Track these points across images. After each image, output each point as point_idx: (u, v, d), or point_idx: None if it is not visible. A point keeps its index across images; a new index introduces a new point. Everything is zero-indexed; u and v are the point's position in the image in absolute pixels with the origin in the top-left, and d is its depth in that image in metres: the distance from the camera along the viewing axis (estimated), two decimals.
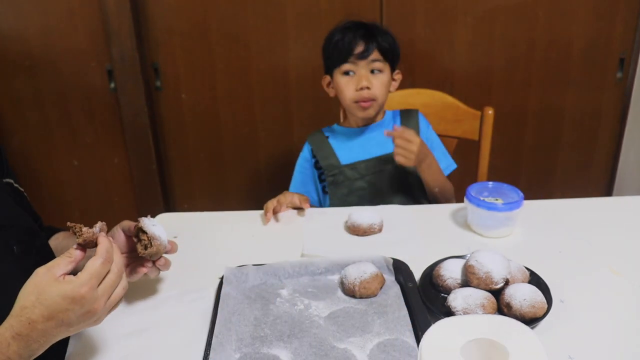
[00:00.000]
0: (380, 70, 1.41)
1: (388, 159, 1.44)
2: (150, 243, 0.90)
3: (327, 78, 1.48)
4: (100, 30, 2.04)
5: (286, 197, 1.29)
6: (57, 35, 2.06)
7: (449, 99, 1.65)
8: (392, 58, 1.43)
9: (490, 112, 1.58)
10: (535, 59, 2.08)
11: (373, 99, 1.41)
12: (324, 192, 1.52)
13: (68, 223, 0.78)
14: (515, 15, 2.01)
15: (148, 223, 0.91)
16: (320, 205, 1.54)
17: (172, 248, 0.97)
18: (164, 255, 0.95)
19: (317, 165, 1.52)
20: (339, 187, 1.48)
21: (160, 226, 0.93)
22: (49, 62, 2.10)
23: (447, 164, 1.52)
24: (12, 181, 1.03)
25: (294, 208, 1.31)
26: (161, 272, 1.05)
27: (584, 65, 2.09)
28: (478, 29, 2.04)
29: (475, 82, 2.11)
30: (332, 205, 1.49)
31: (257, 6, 2.02)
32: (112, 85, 2.11)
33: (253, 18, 2.04)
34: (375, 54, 1.39)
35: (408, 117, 1.52)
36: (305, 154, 1.55)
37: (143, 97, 2.10)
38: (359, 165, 1.47)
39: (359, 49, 1.38)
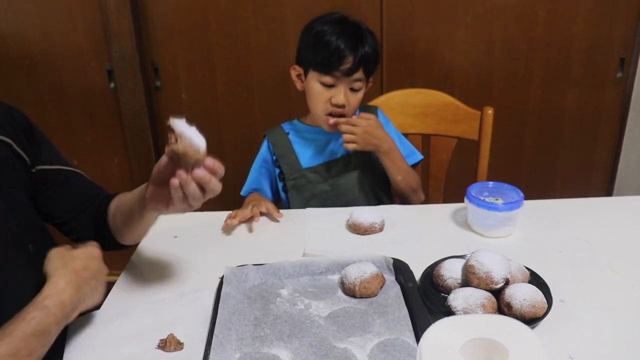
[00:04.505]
0: (358, 89, 1.35)
1: (350, 159, 1.43)
2: (177, 140, 0.77)
3: (298, 69, 1.39)
4: (100, 30, 2.04)
5: (260, 208, 1.27)
6: (57, 35, 2.06)
7: (449, 99, 1.65)
8: (372, 71, 1.36)
9: (490, 112, 1.58)
10: (535, 59, 2.08)
11: (343, 116, 1.35)
12: (284, 190, 1.47)
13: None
14: (515, 15, 2.01)
15: (179, 122, 0.79)
16: (277, 201, 1.50)
17: (214, 165, 0.82)
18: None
19: (276, 164, 1.46)
20: (300, 191, 1.43)
21: (195, 130, 0.79)
22: (48, 62, 2.10)
23: (409, 152, 1.48)
24: (61, 167, 1.03)
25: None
26: (162, 275, 1.05)
27: (584, 65, 2.09)
28: (478, 29, 2.03)
29: (475, 82, 2.11)
30: (292, 207, 1.43)
31: (257, 6, 2.02)
32: (112, 85, 2.11)
33: (253, 18, 2.04)
34: (360, 73, 1.32)
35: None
36: (264, 152, 1.48)
37: (143, 97, 2.10)
38: (321, 168, 1.43)
39: (347, 65, 1.29)
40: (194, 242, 1.19)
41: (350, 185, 1.43)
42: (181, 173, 0.80)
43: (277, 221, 1.27)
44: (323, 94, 1.33)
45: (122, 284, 1.04)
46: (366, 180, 1.44)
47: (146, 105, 2.12)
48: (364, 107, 1.51)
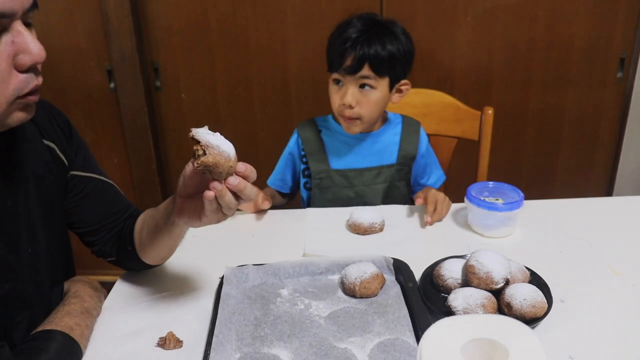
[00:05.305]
0: (371, 87, 1.28)
1: (381, 172, 1.41)
2: (204, 152, 0.72)
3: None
4: (100, 30, 2.04)
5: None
6: (57, 35, 2.06)
7: (449, 99, 1.65)
8: (394, 70, 1.29)
9: (490, 112, 1.58)
10: (535, 58, 2.08)
11: (357, 118, 1.31)
12: (305, 187, 1.45)
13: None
14: (515, 15, 2.01)
15: (202, 131, 0.74)
16: (293, 193, 1.51)
17: (247, 169, 0.78)
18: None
19: (303, 160, 1.44)
20: (323, 191, 1.41)
21: (220, 136, 0.75)
22: (48, 62, 2.08)
23: (440, 175, 1.50)
24: (92, 175, 1.01)
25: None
26: (162, 274, 1.05)
27: (584, 65, 2.09)
28: (478, 29, 2.03)
29: (475, 82, 2.11)
30: (312, 206, 1.41)
31: (257, 6, 2.02)
32: (112, 85, 2.11)
33: (253, 18, 2.04)
34: (366, 70, 1.26)
35: (409, 128, 1.44)
36: (292, 145, 1.45)
37: (143, 97, 2.10)
38: (349, 173, 1.40)
39: (348, 62, 1.26)
40: (194, 242, 1.19)
41: (374, 197, 1.41)
42: (216, 184, 0.75)
43: (273, 221, 1.27)
44: (335, 93, 1.32)
45: (122, 283, 1.04)
46: (390, 195, 1.42)
47: (146, 105, 2.12)
48: (407, 119, 1.46)
